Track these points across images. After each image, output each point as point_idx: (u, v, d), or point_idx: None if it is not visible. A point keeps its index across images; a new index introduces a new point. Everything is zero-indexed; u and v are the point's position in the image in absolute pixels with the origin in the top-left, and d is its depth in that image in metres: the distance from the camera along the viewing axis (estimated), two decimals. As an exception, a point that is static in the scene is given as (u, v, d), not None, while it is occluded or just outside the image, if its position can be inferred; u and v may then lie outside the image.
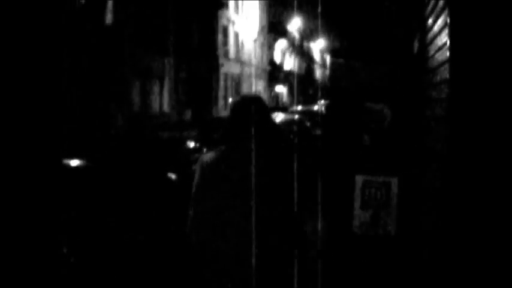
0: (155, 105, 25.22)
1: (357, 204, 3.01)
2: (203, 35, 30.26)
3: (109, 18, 20.01)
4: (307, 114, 17.79)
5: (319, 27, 66.55)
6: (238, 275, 2.30)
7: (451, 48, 2.18)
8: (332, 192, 3.23)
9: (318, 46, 67.82)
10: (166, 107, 26.29)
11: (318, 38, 65.65)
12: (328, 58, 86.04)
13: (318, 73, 71.67)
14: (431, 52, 2.86)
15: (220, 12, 32.69)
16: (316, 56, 69.34)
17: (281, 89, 50.42)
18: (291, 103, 50.28)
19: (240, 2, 37.36)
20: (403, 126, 2.72)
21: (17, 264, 2.03)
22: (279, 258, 2.32)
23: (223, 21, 33.72)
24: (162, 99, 26.04)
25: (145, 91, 24.00)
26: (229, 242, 2.31)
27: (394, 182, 2.96)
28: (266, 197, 2.30)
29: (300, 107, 30.56)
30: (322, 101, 47.09)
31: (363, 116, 3.03)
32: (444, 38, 2.40)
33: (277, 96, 49.01)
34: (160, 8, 24.94)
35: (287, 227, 2.34)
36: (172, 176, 7.80)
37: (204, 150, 9.13)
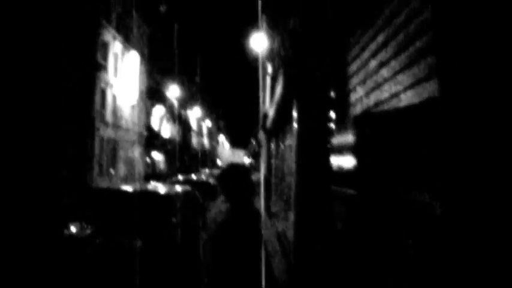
0: (22, 171, 22.69)
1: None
2: (77, 97, 28.48)
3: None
4: (196, 184, 16.60)
5: (197, 95, 67.00)
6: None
7: None
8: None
9: (194, 114, 68.01)
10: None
11: (194, 106, 65.96)
12: (205, 125, 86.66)
13: (195, 141, 71.43)
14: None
15: (98, 74, 31.19)
16: (193, 124, 69.29)
17: (158, 156, 49.01)
18: (168, 170, 48.86)
19: (119, 65, 36.16)
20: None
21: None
22: None
23: (101, 84, 32.16)
24: (30, 164, 23.58)
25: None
26: None
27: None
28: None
29: (180, 177, 29.10)
30: (206, 170, 46.29)
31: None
32: None
33: (153, 163, 47.43)
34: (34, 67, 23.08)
35: None
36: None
37: (97, 240, 6.62)
